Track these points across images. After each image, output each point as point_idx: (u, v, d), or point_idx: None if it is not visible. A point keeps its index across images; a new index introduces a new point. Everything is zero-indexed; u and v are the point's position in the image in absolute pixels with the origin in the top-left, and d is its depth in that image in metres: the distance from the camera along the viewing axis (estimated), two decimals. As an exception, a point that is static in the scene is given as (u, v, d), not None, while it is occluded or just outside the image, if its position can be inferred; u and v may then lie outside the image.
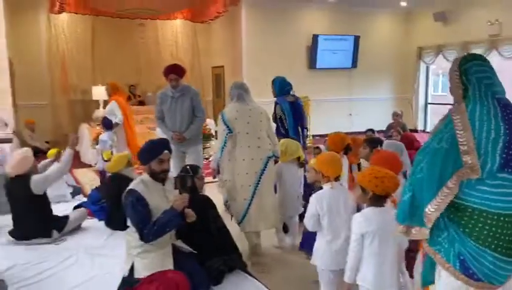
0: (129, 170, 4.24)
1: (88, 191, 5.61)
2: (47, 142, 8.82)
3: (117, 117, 6.21)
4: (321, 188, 2.71)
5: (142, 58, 10.34)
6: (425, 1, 10.00)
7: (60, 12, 8.35)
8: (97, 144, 6.16)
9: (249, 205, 3.42)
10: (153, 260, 2.57)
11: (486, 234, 1.62)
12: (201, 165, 4.43)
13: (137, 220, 2.54)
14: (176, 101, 4.40)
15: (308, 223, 2.59)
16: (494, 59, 8.49)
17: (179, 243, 2.92)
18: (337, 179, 2.65)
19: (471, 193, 1.63)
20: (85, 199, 5.06)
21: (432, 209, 1.66)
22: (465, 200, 1.65)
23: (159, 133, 5.49)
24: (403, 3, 10.35)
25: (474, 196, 1.63)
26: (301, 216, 3.64)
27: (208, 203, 3.17)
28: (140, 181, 2.69)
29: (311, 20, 10.22)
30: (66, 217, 3.95)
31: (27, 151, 3.82)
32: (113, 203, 4.13)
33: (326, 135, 4.37)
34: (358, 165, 3.80)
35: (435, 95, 11.84)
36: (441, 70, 15.72)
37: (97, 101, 8.74)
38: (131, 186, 2.65)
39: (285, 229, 4.01)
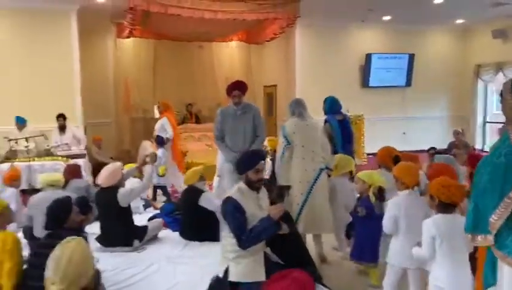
0: (201, 184, 4.47)
1: (156, 204, 5.93)
2: (111, 157, 9.35)
3: (168, 133, 6.56)
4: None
5: (199, 78, 10.79)
6: (483, 18, 9.80)
7: (128, 37, 8.93)
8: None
9: (301, 210, 3.71)
10: (247, 266, 2.73)
11: None
12: None
13: (236, 226, 2.70)
14: (238, 119, 4.28)
15: (386, 225, 2.85)
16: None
17: (268, 251, 3.06)
18: (413, 187, 2.90)
19: None
20: (155, 211, 5.36)
21: (496, 218, 1.84)
22: None
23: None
24: (459, 21, 10.22)
25: None
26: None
27: (288, 214, 3.30)
28: (237, 190, 2.86)
29: (364, 39, 10.28)
30: (146, 227, 4.21)
31: (117, 164, 4.15)
32: (188, 214, 4.37)
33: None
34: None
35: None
36: (495, 88, 15.15)
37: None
38: (229, 194, 2.84)
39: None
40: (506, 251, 1.85)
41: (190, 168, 7.59)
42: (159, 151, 6.23)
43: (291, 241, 3.03)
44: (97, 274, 1.98)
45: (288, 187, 3.37)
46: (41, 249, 2.71)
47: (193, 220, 4.25)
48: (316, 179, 3.75)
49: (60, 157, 6.89)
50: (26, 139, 6.41)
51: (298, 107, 4.06)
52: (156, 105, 7.23)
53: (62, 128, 7.51)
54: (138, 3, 6.79)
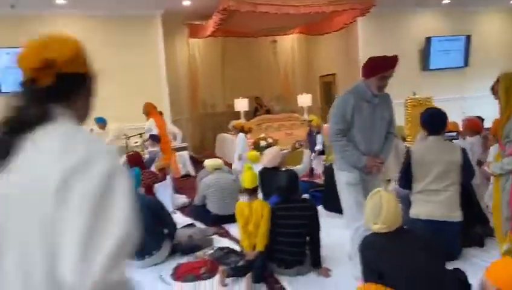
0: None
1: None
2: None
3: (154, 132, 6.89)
4: None
5: (264, 71, 11.29)
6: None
7: (207, 37, 9.39)
8: None
9: None
10: None
11: None
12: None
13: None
14: (377, 109, 3.14)
15: None
16: None
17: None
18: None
19: None
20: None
21: None
22: None
23: None
24: (514, 0, 10.52)
25: None
26: None
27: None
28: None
29: (423, 23, 10.66)
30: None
31: (277, 148, 4.77)
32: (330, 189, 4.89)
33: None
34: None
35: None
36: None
37: (239, 112, 9.67)
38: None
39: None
40: None
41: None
42: (156, 149, 6.50)
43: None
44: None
45: None
46: (282, 212, 3.27)
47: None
48: None
49: (166, 151, 7.47)
50: (140, 134, 6.98)
51: None
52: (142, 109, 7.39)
53: (161, 125, 8.06)
54: (231, 4, 7.30)
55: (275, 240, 3.26)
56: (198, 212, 4.68)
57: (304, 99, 9.99)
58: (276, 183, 3.40)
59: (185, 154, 7.63)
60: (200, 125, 11.01)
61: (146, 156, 6.19)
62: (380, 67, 3.08)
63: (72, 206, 0.88)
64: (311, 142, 6.95)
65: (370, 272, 2.32)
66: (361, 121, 3.07)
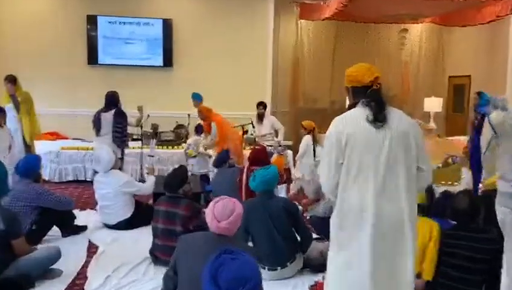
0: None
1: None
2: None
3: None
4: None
5: (380, 65, 9.71)
6: None
7: (324, 19, 8.21)
8: None
9: None
10: None
11: None
12: None
13: None
14: None
15: None
16: None
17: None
18: None
19: None
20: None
21: None
22: None
23: None
24: None
25: None
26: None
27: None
28: None
29: None
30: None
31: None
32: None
33: None
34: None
35: None
36: None
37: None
38: None
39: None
40: None
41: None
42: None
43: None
44: None
45: None
46: (453, 240, 2.94)
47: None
48: None
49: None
50: (242, 127, 6.22)
51: None
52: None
53: (260, 118, 7.12)
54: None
55: (439, 270, 2.95)
56: (324, 225, 3.80)
57: (432, 104, 8.32)
58: (453, 204, 3.04)
59: (289, 153, 6.61)
60: (298, 122, 9.83)
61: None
62: None
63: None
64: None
65: None
66: None
